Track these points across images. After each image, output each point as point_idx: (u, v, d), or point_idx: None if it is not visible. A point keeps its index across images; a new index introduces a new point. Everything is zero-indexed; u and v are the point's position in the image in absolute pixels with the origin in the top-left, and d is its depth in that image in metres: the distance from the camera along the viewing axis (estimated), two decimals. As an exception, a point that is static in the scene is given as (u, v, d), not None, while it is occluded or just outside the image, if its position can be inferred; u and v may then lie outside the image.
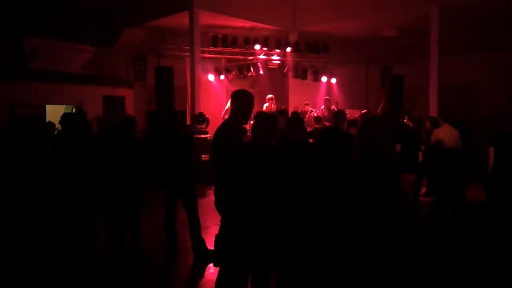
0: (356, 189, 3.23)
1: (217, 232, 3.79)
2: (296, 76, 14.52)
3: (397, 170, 3.55)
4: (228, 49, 13.81)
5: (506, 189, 5.91)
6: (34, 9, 12.20)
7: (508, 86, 13.92)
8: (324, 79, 14.92)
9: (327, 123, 12.63)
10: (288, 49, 14.17)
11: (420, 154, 8.19)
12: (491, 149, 6.33)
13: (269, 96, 13.77)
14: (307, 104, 14.02)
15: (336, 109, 13.23)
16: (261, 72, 14.13)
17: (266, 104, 13.38)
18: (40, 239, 6.37)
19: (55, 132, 8.11)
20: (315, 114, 12.93)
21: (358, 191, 3.22)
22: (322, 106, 14.01)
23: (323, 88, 15.44)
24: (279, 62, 14.78)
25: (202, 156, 11.75)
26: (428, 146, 8.33)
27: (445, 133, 8.15)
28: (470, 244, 6.63)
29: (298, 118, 5.64)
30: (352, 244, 3.19)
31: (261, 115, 3.86)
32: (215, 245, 3.77)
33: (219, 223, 3.80)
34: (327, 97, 14.28)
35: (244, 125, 4.36)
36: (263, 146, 3.63)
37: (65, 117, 6.26)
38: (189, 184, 6.03)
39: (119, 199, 5.77)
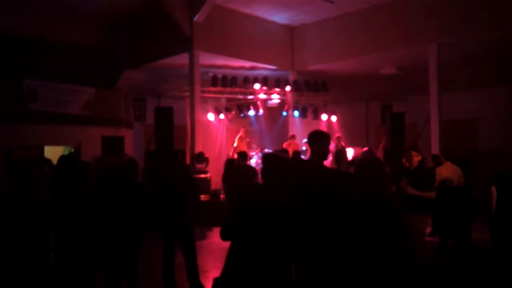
0: (355, 232, 3.16)
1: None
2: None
3: (399, 212, 3.46)
4: (228, 89, 13.86)
5: (510, 228, 5.78)
6: (34, 51, 12.31)
7: (507, 123, 13.89)
8: (324, 117, 14.92)
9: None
10: (288, 88, 14.22)
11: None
12: (494, 188, 6.22)
13: (291, 134, 13.87)
14: (306, 142, 14.02)
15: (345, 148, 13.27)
16: (261, 111, 14.17)
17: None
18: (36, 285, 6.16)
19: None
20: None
21: (357, 235, 3.15)
22: (333, 144, 14.02)
23: (323, 126, 15.44)
24: (278, 101, 14.84)
25: (202, 196, 11.61)
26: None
27: (448, 171, 8.06)
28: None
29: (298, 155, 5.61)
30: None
31: (270, 156, 3.75)
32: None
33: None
34: (338, 135, 14.27)
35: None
36: (275, 188, 3.50)
37: (62, 160, 6.16)
38: (187, 227, 5.87)
39: (117, 244, 5.59)
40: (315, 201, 3.70)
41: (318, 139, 4.33)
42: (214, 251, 7.68)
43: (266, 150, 13.20)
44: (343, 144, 13.82)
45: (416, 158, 7.90)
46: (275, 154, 3.89)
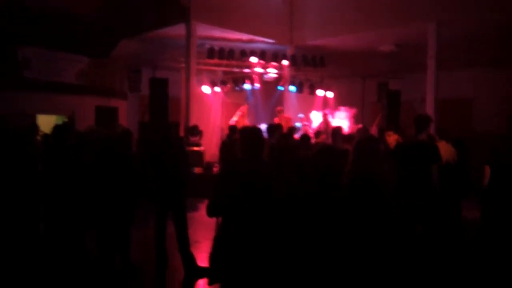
0: (348, 211, 3.19)
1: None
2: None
3: (390, 189, 3.50)
4: (225, 61, 13.68)
5: (502, 208, 5.86)
6: (29, 19, 12.10)
7: (504, 103, 13.88)
8: (320, 92, 14.84)
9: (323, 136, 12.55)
10: (285, 62, 14.08)
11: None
12: (487, 168, 6.24)
13: (279, 108, 13.70)
14: (301, 116, 13.99)
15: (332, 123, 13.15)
16: (257, 85, 14.04)
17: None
18: (26, 255, 6.17)
19: (39, 138, 7.92)
20: (310, 129, 12.88)
21: (350, 213, 3.19)
22: (321, 120, 13.92)
23: (319, 102, 15.37)
24: (275, 75, 14.71)
25: (196, 169, 11.64)
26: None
27: (442, 151, 8.03)
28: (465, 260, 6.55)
29: (306, 136, 5.73)
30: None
31: (246, 129, 3.73)
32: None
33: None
34: (326, 112, 14.19)
35: None
36: (255, 162, 3.49)
37: (57, 130, 6.07)
38: (179, 198, 5.88)
39: (110, 216, 5.60)
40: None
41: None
42: (205, 223, 7.71)
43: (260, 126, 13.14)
44: (329, 121, 13.61)
45: (391, 138, 7.85)
46: (253, 127, 3.84)
